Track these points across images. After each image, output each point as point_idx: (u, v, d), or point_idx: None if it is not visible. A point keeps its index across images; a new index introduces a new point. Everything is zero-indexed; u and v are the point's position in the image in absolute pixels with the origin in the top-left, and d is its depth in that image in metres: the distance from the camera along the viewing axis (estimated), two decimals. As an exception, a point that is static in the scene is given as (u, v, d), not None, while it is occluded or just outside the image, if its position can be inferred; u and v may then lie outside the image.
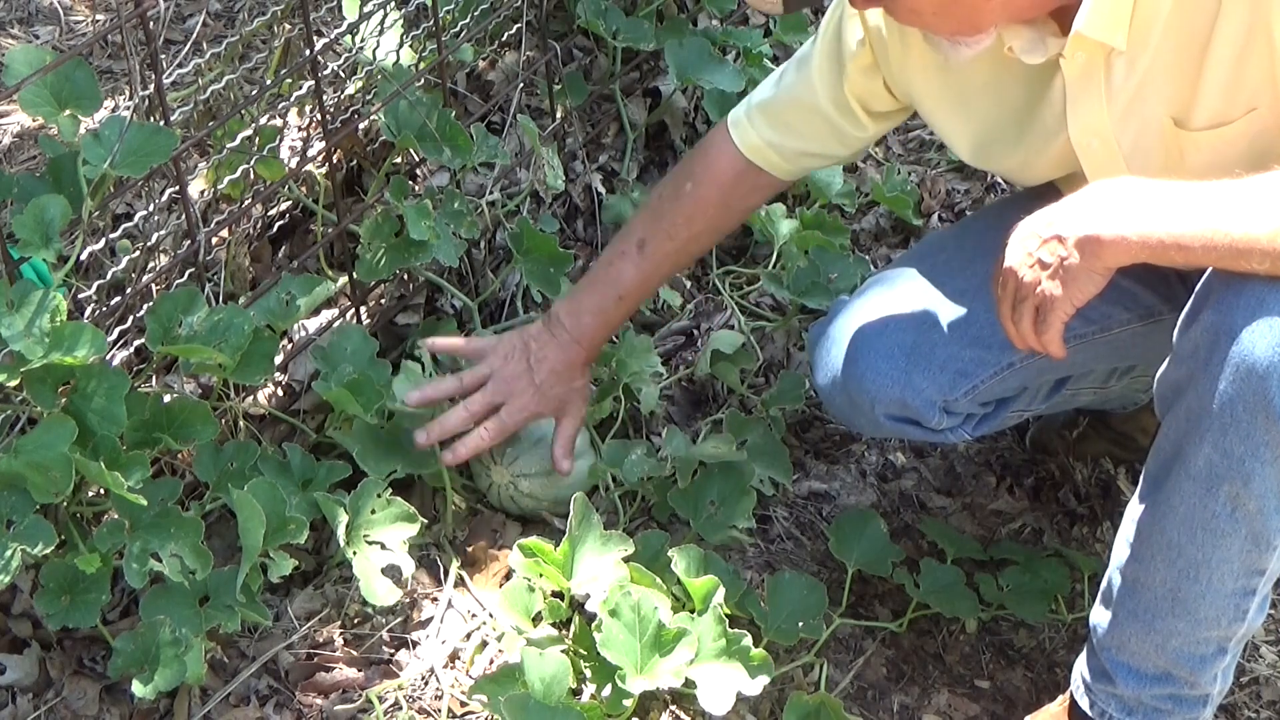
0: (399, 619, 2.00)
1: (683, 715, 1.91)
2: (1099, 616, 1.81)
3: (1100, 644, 1.81)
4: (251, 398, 2.15)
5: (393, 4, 2.35)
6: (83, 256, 1.84)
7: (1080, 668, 1.86)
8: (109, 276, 1.90)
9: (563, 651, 1.82)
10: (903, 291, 2.02)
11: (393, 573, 1.93)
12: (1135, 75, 1.74)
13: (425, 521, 2.04)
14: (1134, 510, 1.74)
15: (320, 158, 2.27)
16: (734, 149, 2.13)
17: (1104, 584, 1.81)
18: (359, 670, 1.93)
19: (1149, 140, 1.78)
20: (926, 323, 1.97)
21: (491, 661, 1.96)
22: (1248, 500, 1.60)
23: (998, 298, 1.73)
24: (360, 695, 1.89)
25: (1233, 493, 1.60)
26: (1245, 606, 1.71)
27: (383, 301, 2.41)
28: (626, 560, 1.93)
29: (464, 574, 2.08)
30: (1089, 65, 1.74)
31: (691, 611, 1.93)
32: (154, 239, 1.97)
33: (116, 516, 1.79)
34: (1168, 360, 1.66)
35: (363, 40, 2.33)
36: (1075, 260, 1.62)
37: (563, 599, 1.92)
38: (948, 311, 1.98)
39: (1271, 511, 1.61)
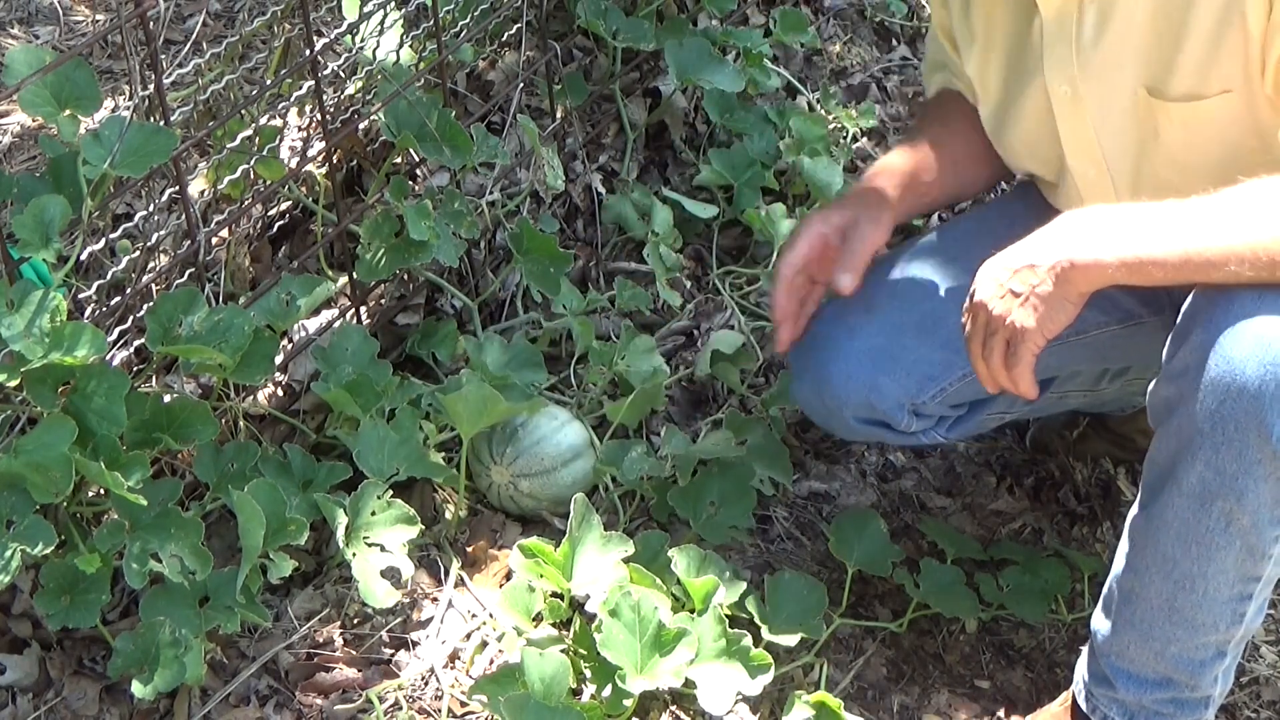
0: (399, 619, 2.00)
1: (683, 715, 1.91)
2: (1099, 623, 1.82)
3: (1100, 650, 1.82)
4: (251, 398, 2.15)
5: (393, 4, 2.35)
6: (83, 256, 1.84)
7: (1081, 671, 1.87)
8: (109, 276, 1.90)
9: (563, 651, 1.82)
10: (875, 295, 2.03)
11: (392, 575, 1.93)
12: (1108, 32, 1.76)
13: (424, 526, 2.04)
14: (1132, 520, 1.74)
15: (320, 158, 2.27)
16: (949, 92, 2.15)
17: (1104, 591, 1.81)
18: (359, 670, 1.93)
19: (1122, 109, 1.79)
20: (895, 326, 1.97)
21: (491, 661, 1.96)
22: (1241, 516, 1.61)
23: (967, 335, 1.73)
24: (360, 695, 1.89)
25: (1226, 509, 1.61)
26: (1243, 610, 1.71)
27: (383, 301, 2.41)
28: (626, 561, 1.93)
29: (464, 574, 2.08)
30: (1064, 7, 1.78)
31: (691, 611, 1.93)
32: (154, 239, 1.97)
33: (116, 517, 1.79)
34: (1159, 377, 1.66)
35: (363, 40, 2.33)
36: (1048, 288, 1.62)
37: (563, 599, 1.92)
38: (917, 315, 1.98)
39: (1265, 524, 1.61)
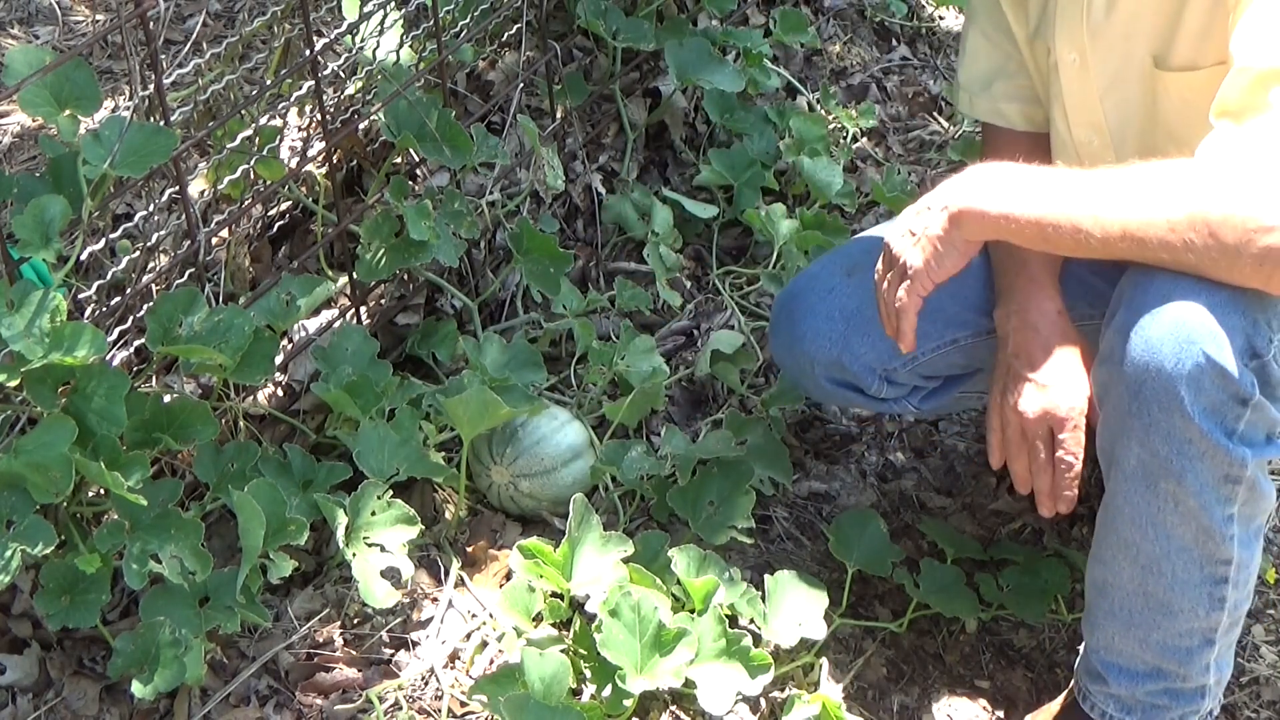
0: (399, 619, 2.00)
1: (683, 715, 1.91)
2: (1086, 619, 1.83)
3: (1089, 646, 1.83)
4: (251, 398, 2.15)
5: (393, 4, 2.35)
6: (83, 256, 1.84)
7: (1079, 669, 1.87)
8: (109, 276, 1.90)
9: (563, 651, 1.82)
10: (856, 261, 2.06)
11: (392, 575, 1.93)
12: (1118, 6, 1.78)
13: (424, 526, 2.04)
14: (1098, 512, 1.75)
15: (320, 158, 2.27)
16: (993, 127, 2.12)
17: (1085, 588, 1.82)
18: (359, 670, 1.93)
19: (1130, 79, 1.82)
20: (871, 291, 1.99)
21: (491, 661, 1.96)
22: (1186, 497, 1.62)
23: (876, 272, 1.81)
24: (360, 695, 1.89)
25: (1170, 489, 1.62)
26: (1221, 595, 1.71)
27: (383, 301, 2.41)
28: (626, 561, 1.93)
29: (464, 574, 2.08)
30: None
31: (691, 611, 1.93)
32: (154, 239, 1.97)
33: (116, 517, 1.79)
34: (1095, 361, 1.68)
35: (363, 40, 2.33)
36: (937, 230, 1.69)
37: (563, 599, 1.92)
38: None
39: (1212, 504, 1.62)
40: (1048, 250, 1.69)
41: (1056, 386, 1.78)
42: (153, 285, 1.99)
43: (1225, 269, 1.51)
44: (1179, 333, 1.53)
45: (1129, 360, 1.57)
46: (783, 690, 1.97)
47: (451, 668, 1.95)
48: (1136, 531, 1.68)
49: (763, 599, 2.01)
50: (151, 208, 1.97)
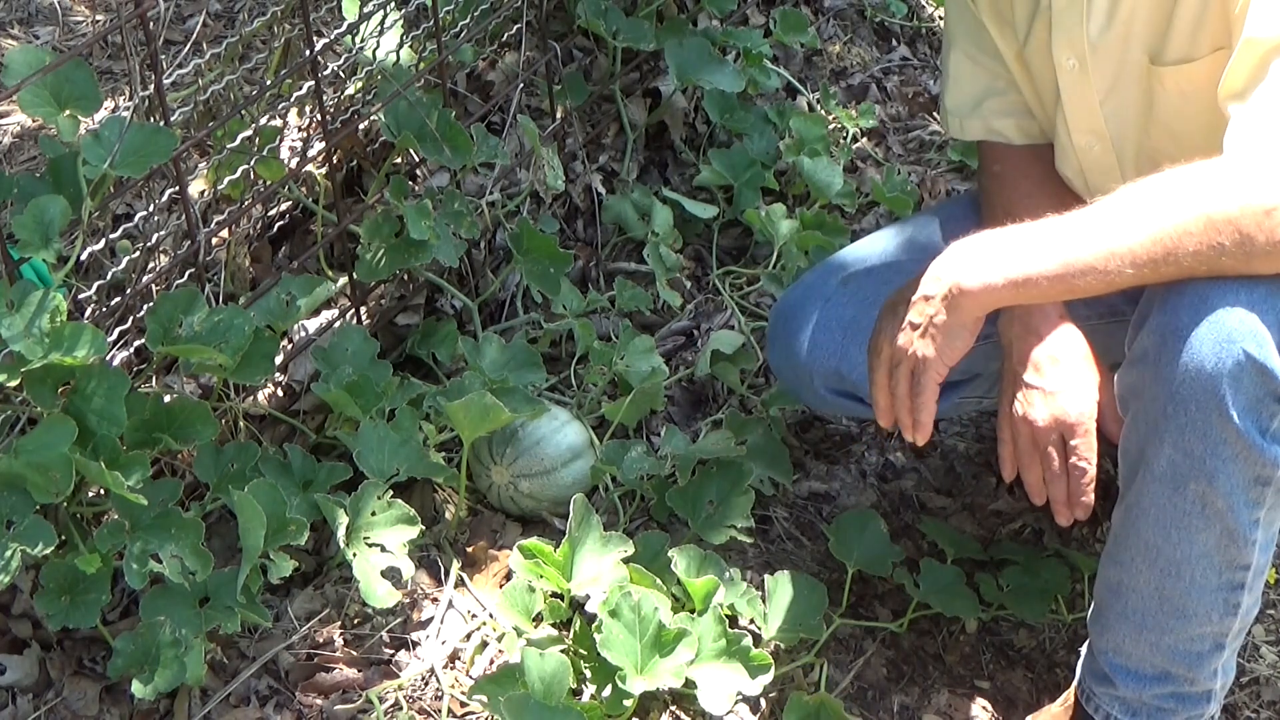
0: (399, 619, 2.00)
1: (683, 715, 1.91)
2: (1094, 621, 1.82)
3: (1097, 648, 1.82)
4: (251, 398, 2.15)
5: (393, 4, 2.35)
6: (83, 256, 1.84)
7: (1081, 670, 1.87)
8: (109, 276, 1.90)
9: (563, 652, 1.82)
10: (852, 270, 2.06)
11: (392, 575, 1.93)
12: (1119, 12, 1.77)
13: (424, 527, 2.04)
14: (1115, 514, 1.75)
15: (320, 158, 2.27)
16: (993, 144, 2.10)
17: (1095, 589, 1.81)
18: (359, 670, 1.93)
19: (1128, 82, 1.81)
20: (869, 299, 1.99)
21: (491, 661, 1.96)
22: (1215, 498, 1.61)
23: (871, 368, 1.80)
24: (360, 695, 1.89)
25: (1199, 491, 1.61)
26: (1236, 601, 1.71)
27: (383, 302, 2.41)
28: (626, 561, 1.93)
29: (464, 574, 2.08)
30: None
31: (691, 611, 1.93)
32: (154, 239, 1.97)
33: (116, 517, 1.79)
34: (1123, 363, 1.67)
35: (363, 40, 2.33)
36: (943, 317, 1.68)
37: (563, 599, 1.92)
38: (891, 290, 1.99)
39: (1241, 507, 1.62)
40: (1073, 298, 1.67)
41: (1065, 392, 1.77)
42: (153, 285, 1.99)
43: (1261, 262, 1.52)
44: (1219, 331, 1.52)
45: (1167, 361, 1.56)
46: (782, 690, 1.97)
47: (451, 668, 1.95)
48: (1159, 535, 1.67)
49: (763, 599, 2.01)
50: (151, 208, 1.97)
